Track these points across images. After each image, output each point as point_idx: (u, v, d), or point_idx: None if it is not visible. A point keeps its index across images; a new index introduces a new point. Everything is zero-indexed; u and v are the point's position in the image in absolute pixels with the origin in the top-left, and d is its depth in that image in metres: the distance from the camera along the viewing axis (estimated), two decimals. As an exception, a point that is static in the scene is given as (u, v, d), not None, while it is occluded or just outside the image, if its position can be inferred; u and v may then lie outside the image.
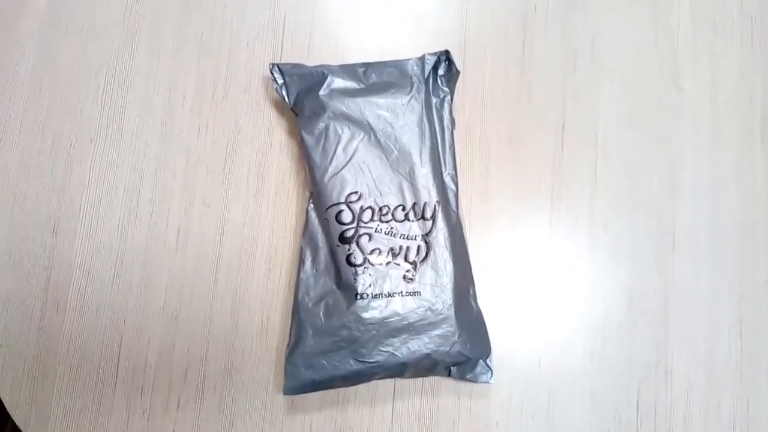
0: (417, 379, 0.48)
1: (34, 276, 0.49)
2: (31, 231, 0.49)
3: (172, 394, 0.47)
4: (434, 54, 0.48)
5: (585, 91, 0.52)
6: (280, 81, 0.48)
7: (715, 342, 0.49)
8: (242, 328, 0.48)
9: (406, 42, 0.53)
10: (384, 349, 0.43)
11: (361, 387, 0.46)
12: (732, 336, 0.49)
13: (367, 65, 0.48)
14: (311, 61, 0.51)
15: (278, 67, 0.48)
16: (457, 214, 0.47)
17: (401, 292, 0.44)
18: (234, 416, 0.47)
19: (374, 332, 0.43)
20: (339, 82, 0.47)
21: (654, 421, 0.48)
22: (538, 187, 0.51)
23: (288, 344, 0.45)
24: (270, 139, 0.51)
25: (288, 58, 0.52)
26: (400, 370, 0.44)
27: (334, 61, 0.51)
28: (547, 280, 0.50)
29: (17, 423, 0.47)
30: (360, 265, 0.44)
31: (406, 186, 0.45)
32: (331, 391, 0.46)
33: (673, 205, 0.51)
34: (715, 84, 0.53)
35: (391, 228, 0.45)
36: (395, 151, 0.46)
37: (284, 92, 0.48)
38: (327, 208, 0.45)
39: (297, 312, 0.45)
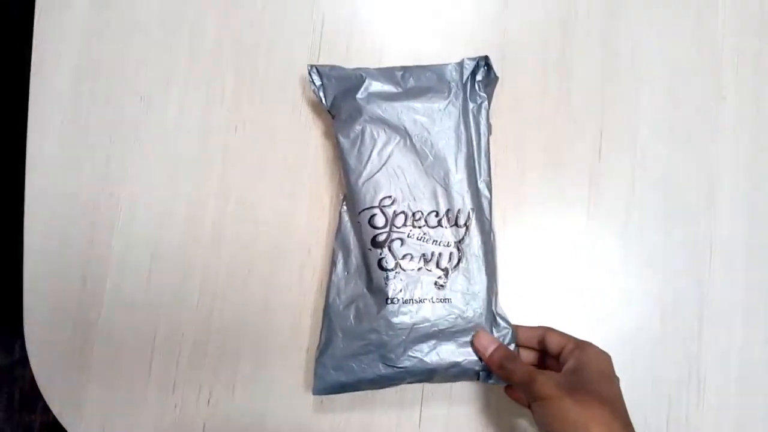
0: (446, 384, 0.48)
1: (72, 269, 0.49)
2: (69, 225, 0.50)
3: (204, 389, 0.48)
4: (473, 59, 0.47)
5: (624, 99, 0.52)
6: (318, 83, 0.48)
7: (749, 355, 0.48)
8: (274, 327, 0.49)
9: (445, 45, 0.53)
10: (413, 354, 0.43)
11: (390, 389, 0.46)
12: (767, 349, 0.48)
13: (405, 69, 0.48)
14: (349, 61, 0.51)
15: (316, 69, 0.48)
16: (491, 222, 0.46)
17: (432, 298, 0.44)
18: (264, 413, 0.48)
19: (403, 337, 0.43)
20: (377, 86, 0.47)
21: (685, 436, 0.47)
22: (574, 194, 0.50)
23: (318, 346, 0.45)
24: (306, 139, 0.51)
25: (326, 58, 0.52)
26: (428, 375, 0.44)
27: (372, 62, 0.50)
28: (580, 288, 0.49)
29: (53, 411, 0.48)
30: (391, 270, 0.44)
31: (440, 192, 0.45)
32: (360, 392, 0.46)
33: (710, 217, 0.50)
34: (758, 95, 0.52)
35: (424, 234, 0.45)
36: (430, 157, 0.45)
37: (322, 94, 0.48)
38: (360, 212, 0.45)
39: (328, 314, 0.46)
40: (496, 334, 0.44)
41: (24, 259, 0.50)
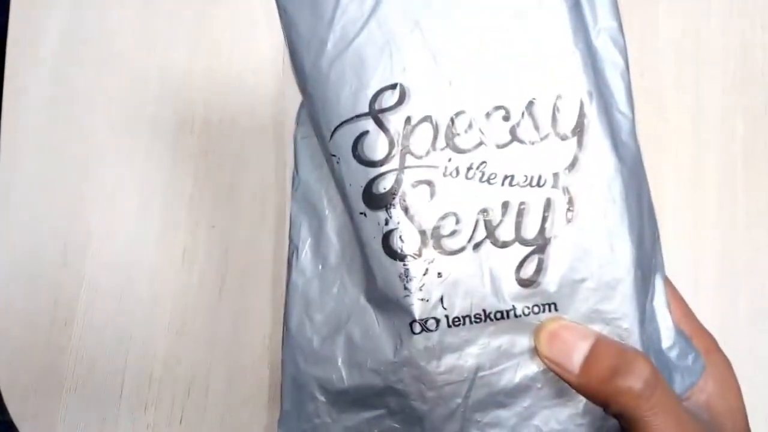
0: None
1: (43, 292, 0.50)
2: (41, 248, 0.51)
3: (176, 409, 0.49)
4: None
5: (575, 124, 0.55)
6: None
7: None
8: (245, 347, 0.50)
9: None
10: None
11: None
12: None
13: None
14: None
15: None
16: (632, 122, 0.24)
17: (513, 309, 0.21)
18: (237, 430, 0.49)
19: (458, 401, 0.21)
20: None
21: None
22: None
23: (279, 418, 0.25)
24: (275, 163, 0.53)
25: (292, 84, 0.54)
26: None
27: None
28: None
29: (24, 437, 0.48)
30: (415, 256, 0.21)
31: (508, 62, 0.21)
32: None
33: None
34: (697, 119, 0.55)
35: (482, 163, 0.21)
36: None
37: None
38: (333, 131, 0.23)
39: (290, 354, 0.24)
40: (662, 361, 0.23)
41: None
